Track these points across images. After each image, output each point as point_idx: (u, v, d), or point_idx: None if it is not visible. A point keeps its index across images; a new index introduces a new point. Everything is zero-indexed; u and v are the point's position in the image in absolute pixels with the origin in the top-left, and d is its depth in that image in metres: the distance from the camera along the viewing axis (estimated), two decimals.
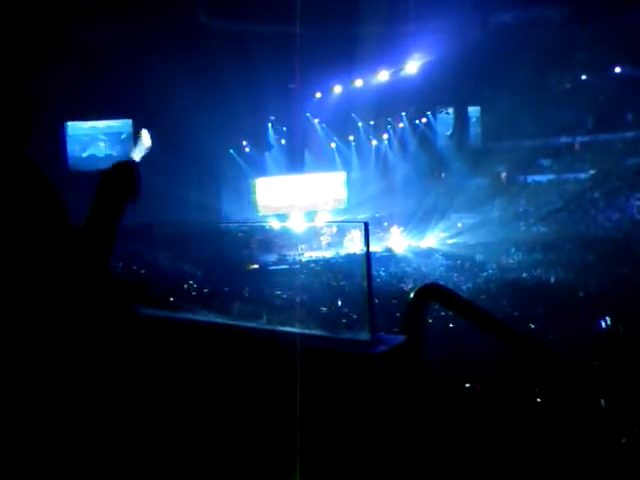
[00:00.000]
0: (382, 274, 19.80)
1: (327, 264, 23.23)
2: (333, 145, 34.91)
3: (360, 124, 34.42)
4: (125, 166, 2.67)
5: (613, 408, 5.93)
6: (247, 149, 33.01)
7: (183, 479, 3.15)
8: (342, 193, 33.82)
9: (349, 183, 34.13)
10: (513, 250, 23.59)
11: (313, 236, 27.28)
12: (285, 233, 27.17)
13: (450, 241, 27.12)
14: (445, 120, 34.45)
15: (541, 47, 25.63)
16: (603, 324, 13.25)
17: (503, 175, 31.86)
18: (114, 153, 28.45)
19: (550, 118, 29.08)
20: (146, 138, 2.88)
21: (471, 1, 23.17)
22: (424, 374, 2.87)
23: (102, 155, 28.51)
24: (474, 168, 30.85)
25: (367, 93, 30.81)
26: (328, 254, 25.45)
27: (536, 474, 4.37)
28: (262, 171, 33.21)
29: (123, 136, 28.90)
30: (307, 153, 34.40)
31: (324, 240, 27.25)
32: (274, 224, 31.29)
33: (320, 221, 34.95)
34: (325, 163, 34.17)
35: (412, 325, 2.80)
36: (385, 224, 28.22)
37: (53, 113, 24.43)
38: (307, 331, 3.09)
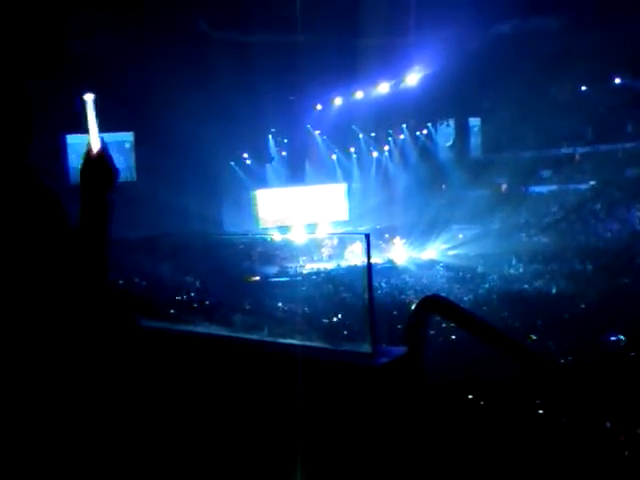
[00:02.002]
0: (383, 286, 19.78)
1: (328, 276, 23.20)
2: (334, 157, 34.97)
3: (361, 136, 34.49)
4: (89, 154, 2.52)
5: (614, 422, 5.92)
6: (248, 161, 33.07)
7: None
8: (343, 205, 33.85)
9: (350, 195, 34.17)
10: (514, 261, 23.57)
11: (314, 248, 27.28)
12: (286, 245, 27.17)
13: (451, 252, 27.09)
14: (446, 131, 34.51)
15: (541, 58, 25.71)
16: (613, 339, 13.18)
17: (504, 186, 31.86)
18: (116, 165, 28.45)
19: (550, 129, 29.13)
20: (89, 101, 2.62)
21: (471, 13, 23.21)
22: (426, 386, 2.86)
23: None
24: (475, 179, 30.87)
25: (368, 105, 30.89)
26: (329, 266, 25.44)
27: None
28: (263, 183, 33.27)
29: (127, 145, 28.93)
30: (308, 165, 34.46)
31: (325, 252, 27.26)
32: (275, 236, 31.30)
33: (321, 233, 35.00)
34: (326, 175, 34.22)
35: (414, 337, 2.80)
36: (386, 236, 28.21)
37: (53, 125, 24.49)
38: (308, 343, 3.09)
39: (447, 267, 24.33)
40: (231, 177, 31.65)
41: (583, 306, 16.48)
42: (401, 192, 32.57)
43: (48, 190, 2.28)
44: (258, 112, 27.41)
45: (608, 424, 6.08)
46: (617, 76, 29.02)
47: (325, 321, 13.36)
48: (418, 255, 27.41)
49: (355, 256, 23.49)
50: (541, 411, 7.13)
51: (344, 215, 33.59)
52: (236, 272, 22.05)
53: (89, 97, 2.54)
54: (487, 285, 20.50)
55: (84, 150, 2.48)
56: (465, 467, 3.54)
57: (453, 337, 11.77)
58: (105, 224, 2.37)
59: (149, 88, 22.94)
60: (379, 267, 22.94)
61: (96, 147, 2.50)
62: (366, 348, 2.90)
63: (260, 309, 15.11)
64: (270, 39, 23.93)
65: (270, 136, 33.27)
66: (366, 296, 2.96)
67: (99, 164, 2.45)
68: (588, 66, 27.21)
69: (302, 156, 34.21)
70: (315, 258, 26.71)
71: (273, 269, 25.03)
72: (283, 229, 31.43)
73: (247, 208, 31.89)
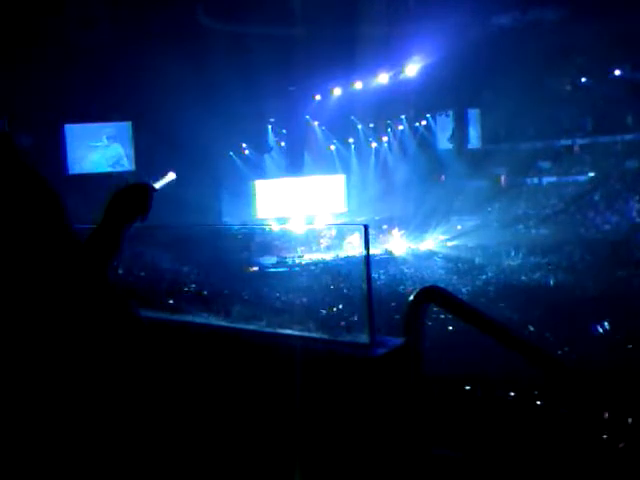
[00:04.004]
0: (382, 277, 19.79)
1: (327, 267, 23.22)
2: (333, 147, 34.88)
3: (360, 126, 34.40)
4: (143, 188, 2.62)
5: (611, 413, 5.94)
6: (247, 151, 32.99)
7: None
8: (341, 195, 33.82)
9: (349, 185, 34.13)
10: (513, 252, 23.59)
11: (313, 239, 27.29)
12: (285, 235, 27.19)
13: (450, 244, 27.11)
14: (445, 122, 34.45)
15: (540, 50, 25.65)
16: (600, 329, 13.25)
17: (503, 177, 31.85)
18: (113, 155, 28.45)
19: (550, 120, 29.12)
20: (171, 177, 2.81)
21: (470, 3, 23.15)
22: (423, 376, 2.87)
23: (101, 157, 28.47)
24: (474, 170, 30.86)
25: (367, 95, 30.80)
26: (328, 257, 25.44)
27: (534, 475, 4.37)
28: (262, 173, 33.22)
29: (125, 135, 28.90)
30: (307, 155, 34.38)
31: (324, 243, 27.26)
32: (274, 226, 31.29)
33: (320, 224, 34.95)
34: (325, 165, 34.16)
35: (411, 327, 2.81)
36: (385, 227, 28.21)
37: (52, 116, 24.45)
38: (307, 334, 3.10)
39: (445, 258, 24.36)
40: (230, 167, 31.59)
41: (581, 298, 16.51)
42: (400, 183, 32.53)
43: (48, 187, 2.29)
44: (257, 102, 27.34)
45: (606, 415, 6.09)
46: (616, 68, 28.96)
47: (323, 312, 13.38)
48: (416, 246, 27.42)
49: (353, 247, 23.51)
50: (539, 402, 7.14)
51: (342, 206, 33.57)
52: (235, 262, 22.06)
53: (171, 176, 2.77)
54: (485, 276, 20.53)
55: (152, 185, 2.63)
56: (460, 457, 3.56)
57: (451, 328, 11.80)
58: (121, 235, 2.43)
59: (148, 78, 22.88)
60: (377, 258, 22.93)
61: (156, 186, 2.71)
62: (364, 338, 2.91)
63: (258, 299, 15.12)
64: (269, 29, 23.86)
65: (269, 126, 33.17)
66: (364, 287, 2.97)
67: (146, 195, 2.52)
68: (587, 57, 27.20)
69: (301, 146, 34.14)
70: (314, 249, 26.72)
71: (272, 259, 25.05)
72: (282, 219, 31.42)
73: (246, 198, 31.86)
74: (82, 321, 2.29)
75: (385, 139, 35.12)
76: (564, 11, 25.52)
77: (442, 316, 10.84)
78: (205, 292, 15.12)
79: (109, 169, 27.93)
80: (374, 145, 35.10)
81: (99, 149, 28.57)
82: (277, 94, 27.83)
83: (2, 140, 2.30)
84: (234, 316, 3.67)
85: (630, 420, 6.00)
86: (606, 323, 13.19)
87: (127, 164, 28.59)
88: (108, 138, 28.44)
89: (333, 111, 32.25)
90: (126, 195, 2.53)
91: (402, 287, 18.12)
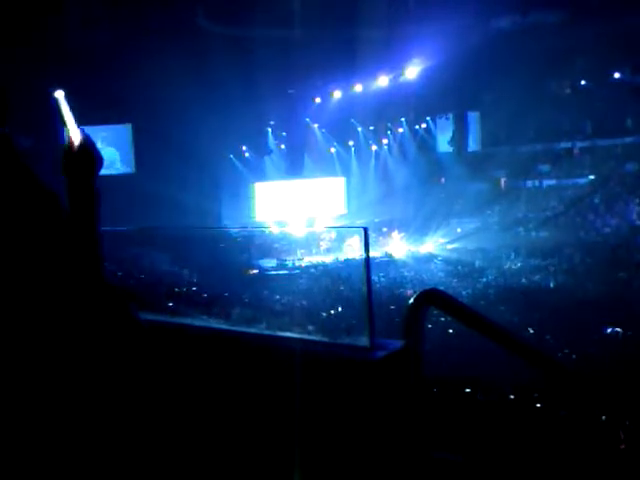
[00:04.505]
0: (382, 279, 19.80)
1: (326, 269, 23.23)
2: (333, 150, 34.92)
3: (360, 129, 34.44)
4: (76, 147, 2.51)
5: (611, 416, 5.93)
6: (247, 154, 33.04)
7: None
8: (341, 198, 33.85)
9: (348, 188, 34.15)
10: (513, 255, 23.60)
11: (312, 241, 27.29)
12: (284, 238, 27.19)
13: (450, 246, 27.11)
14: (445, 125, 34.47)
15: (540, 52, 25.68)
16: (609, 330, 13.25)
17: (503, 180, 31.88)
18: (114, 157, 28.46)
19: (549, 123, 29.15)
20: (64, 106, 2.60)
21: (471, 7, 23.16)
22: (423, 379, 2.87)
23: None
24: (474, 173, 30.88)
25: (367, 98, 30.83)
26: (327, 259, 25.46)
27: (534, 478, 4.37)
28: (262, 176, 33.24)
29: (125, 137, 28.91)
30: (307, 158, 34.42)
31: (323, 245, 27.27)
32: (273, 229, 31.30)
33: (319, 226, 35.00)
34: (324, 168, 34.19)
35: (411, 330, 2.80)
36: (385, 229, 28.23)
37: (51, 117, 24.43)
38: (306, 336, 3.09)
39: (445, 261, 24.36)
40: (230, 170, 31.62)
41: (580, 300, 16.51)
42: (400, 186, 32.57)
43: (45, 188, 2.28)
44: (257, 105, 27.36)
45: (604, 417, 6.09)
46: (616, 70, 28.99)
47: (323, 314, 13.39)
48: (416, 249, 27.43)
49: (353, 249, 23.52)
50: (539, 405, 7.14)
51: (342, 209, 33.59)
52: (234, 265, 22.07)
53: (59, 94, 2.58)
54: (485, 279, 20.54)
55: (65, 143, 2.50)
56: (460, 461, 3.55)
57: (451, 331, 11.80)
58: (93, 213, 2.37)
59: (148, 81, 22.89)
60: (377, 261, 22.94)
61: (77, 138, 2.52)
62: (364, 341, 2.90)
63: (258, 302, 15.13)
64: (269, 32, 23.86)
65: (269, 129, 33.21)
66: (364, 289, 2.96)
67: (83, 154, 2.45)
68: (587, 60, 27.21)
69: (301, 149, 34.17)
70: (313, 251, 26.73)
71: (271, 262, 25.06)
72: (281, 222, 31.42)
73: (246, 201, 31.88)
74: (81, 323, 2.28)
75: (385, 142, 35.16)
76: (564, 14, 25.53)
77: (442, 319, 10.85)
78: (205, 295, 15.12)
79: (103, 171, 27.88)
80: (374, 148, 35.13)
81: (99, 151, 28.50)
82: (277, 96, 27.84)
83: (1, 141, 2.30)
84: (234, 319, 3.67)
85: (628, 422, 6.00)
86: (618, 329, 13.20)
87: (121, 167, 28.55)
88: (102, 141, 28.43)
89: (333, 114, 32.27)
90: (67, 165, 2.46)
91: (402, 290, 18.13)
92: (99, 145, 2.56)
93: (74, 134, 2.50)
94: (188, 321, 3.52)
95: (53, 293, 2.22)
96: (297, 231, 29.78)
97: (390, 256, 25.60)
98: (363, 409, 2.80)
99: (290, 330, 3.17)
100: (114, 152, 28.56)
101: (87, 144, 2.51)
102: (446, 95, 30.61)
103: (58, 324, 2.23)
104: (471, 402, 7.16)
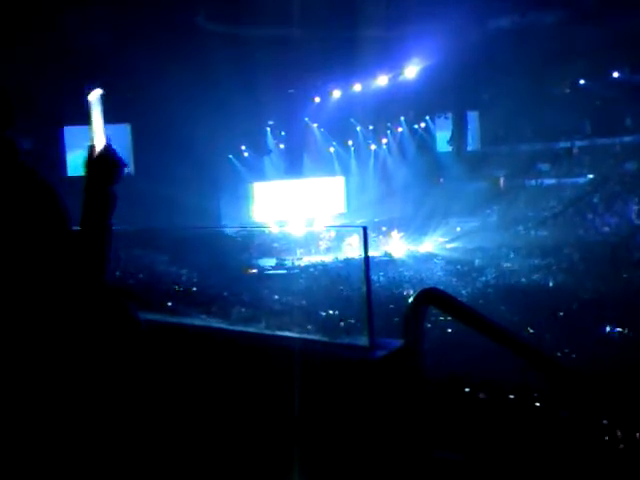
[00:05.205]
0: (381, 279, 19.78)
1: (326, 269, 23.21)
2: (332, 150, 34.90)
3: (359, 129, 34.43)
4: (99, 151, 2.50)
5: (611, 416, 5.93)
6: (246, 154, 33.01)
7: None
8: (341, 197, 33.85)
9: (348, 187, 34.15)
10: (512, 254, 23.58)
11: (312, 241, 27.27)
12: (284, 237, 27.18)
13: (449, 246, 27.10)
14: (444, 125, 34.48)
15: (540, 52, 25.67)
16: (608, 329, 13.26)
17: (502, 179, 31.88)
18: (122, 158, 28.36)
19: (549, 123, 29.15)
20: (96, 107, 2.56)
21: (469, 6, 23.16)
22: (423, 378, 2.86)
23: None
24: (473, 172, 30.88)
25: (366, 98, 30.83)
26: (327, 259, 25.43)
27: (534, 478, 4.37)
28: (261, 176, 33.22)
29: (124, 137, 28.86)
30: (306, 158, 34.39)
31: (323, 245, 27.25)
32: (273, 228, 31.28)
33: (319, 226, 34.99)
34: (324, 168, 34.17)
35: (411, 329, 2.80)
36: (384, 229, 28.20)
37: (52, 118, 24.43)
38: (306, 336, 3.09)
39: (445, 260, 24.34)
40: (229, 169, 31.59)
41: (580, 299, 16.51)
42: (399, 185, 32.58)
43: (46, 185, 2.28)
44: (256, 105, 27.33)
45: (605, 421, 6.08)
46: (615, 70, 29.00)
47: (323, 314, 13.37)
48: (416, 248, 27.42)
49: (353, 249, 23.49)
50: (539, 404, 7.13)
51: (342, 208, 33.58)
52: (234, 264, 22.05)
53: (96, 93, 2.50)
54: (484, 278, 20.52)
55: (89, 144, 2.49)
56: (461, 460, 3.55)
57: (450, 330, 11.79)
58: (107, 217, 2.39)
59: (147, 81, 22.90)
60: (377, 260, 22.93)
61: (101, 142, 2.50)
62: (363, 341, 2.90)
63: (258, 301, 15.12)
64: (269, 32, 23.86)
65: (268, 129, 33.19)
66: (364, 289, 2.96)
67: (105, 158, 2.46)
68: (586, 60, 27.21)
69: (300, 149, 34.15)
70: (313, 251, 26.71)
71: (271, 261, 25.05)
72: (281, 222, 31.41)
73: (245, 200, 31.87)
74: (81, 323, 2.28)
75: (384, 141, 35.15)
76: (563, 14, 25.55)
77: (442, 318, 10.84)
78: (204, 294, 15.11)
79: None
80: (373, 147, 35.13)
81: None
82: (276, 96, 27.82)
83: (3, 141, 2.30)
84: (233, 318, 3.66)
85: (628, 422, 6.00)
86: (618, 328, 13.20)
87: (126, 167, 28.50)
88: (108, 140, 28.35)
89: (332, 113, 32.27)
90: (90, 168, 2.45)
91: (401, 289, 18.11)
92: None
93: (99, 138, 2.49)
94: (187, 321, 3.52)
95: (53, 291, 2.22)
96: (296, 230, 29.76)
97: (389, 255, 25.59)
98: (363, 408, 2.79)
99: (289, 330, 3.17)
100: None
101: (111, 149, 2.50)
102: (445, 94, 30.62)
103: (57, 323, 2.23)
104: (471, 401, 7.14)
